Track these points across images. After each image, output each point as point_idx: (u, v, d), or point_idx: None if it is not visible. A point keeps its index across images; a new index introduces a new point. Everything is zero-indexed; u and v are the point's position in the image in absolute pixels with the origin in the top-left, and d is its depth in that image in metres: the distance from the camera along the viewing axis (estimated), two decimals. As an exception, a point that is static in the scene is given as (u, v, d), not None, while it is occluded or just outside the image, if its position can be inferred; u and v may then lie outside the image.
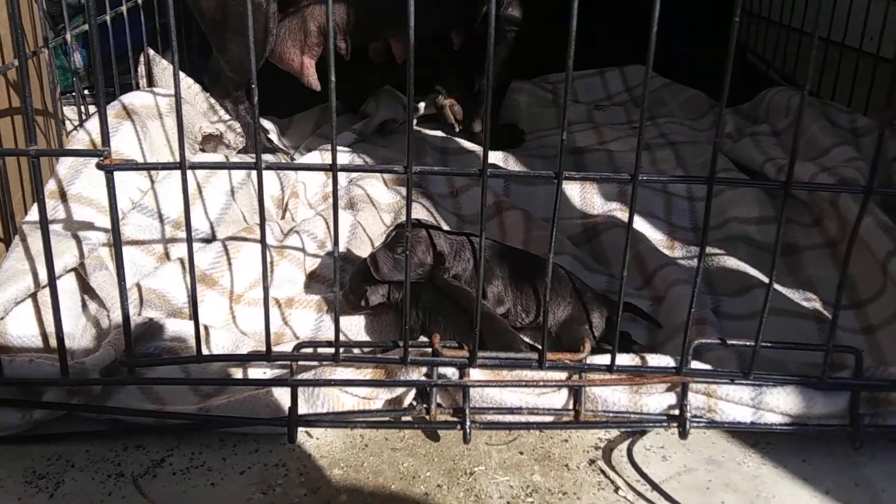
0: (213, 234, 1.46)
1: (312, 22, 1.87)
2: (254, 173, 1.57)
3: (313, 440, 1.11)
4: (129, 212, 1.38)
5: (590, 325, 1.29)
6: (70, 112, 1.97)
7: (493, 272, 1.33)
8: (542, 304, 1.08)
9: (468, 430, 1.08)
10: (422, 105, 2.31)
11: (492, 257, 1.34)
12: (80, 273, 1.27)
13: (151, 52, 1.81)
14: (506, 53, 2.01)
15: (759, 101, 2.20)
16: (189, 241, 1.03)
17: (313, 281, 1.44)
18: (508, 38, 1.98)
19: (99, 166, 0.97)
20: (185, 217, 1.01)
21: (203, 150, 1.70)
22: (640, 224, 1.63)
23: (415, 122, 2.23)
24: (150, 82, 1.78)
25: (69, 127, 1.86)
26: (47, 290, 1.13)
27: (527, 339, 1.28)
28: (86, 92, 2.16)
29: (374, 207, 1.68)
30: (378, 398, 1.12)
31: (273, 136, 2.08)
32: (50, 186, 1.33)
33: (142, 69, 1.81)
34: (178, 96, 0.95)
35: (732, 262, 1.49)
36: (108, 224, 1.30)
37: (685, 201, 1.73)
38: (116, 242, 1.02)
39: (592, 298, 1.31)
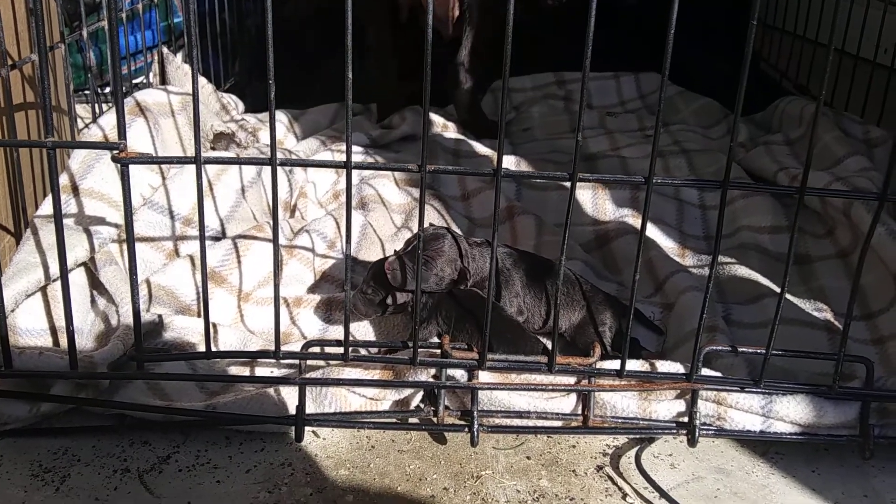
0: (223, 231, 1.46)
1: None
2: (265, 173, 1.58)
3: (320, 440, 1.11)
4: (139, 208, 1.38)
5: (596, 329, 1.28)
6: (82, 110, 1.97)
7: (512, 280, 1.31)
8: (553, 307, 1.07)
9: (476, 434, 1.07)
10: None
11: (512, 266, 1.33)
12: (90, 268, 1.27)
13: (165, 50, 1.81)
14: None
15: (773, 111, 2.20)
16: (202, 236, 1.02)
17: (322, 281, 1.44)
18: None
19: (114, 159, 0.97)
20: (198, 212, 1.00)
21: (214, 149, 1.70)
22: (651, 231, 1.62)
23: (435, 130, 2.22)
24: (163, 80, 1.79)
25: (81, 124, 1.87)
26: (57, 284, 1.13)
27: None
28: (98, 90, 2.17)
29: (384, 208, 1.68)
30: (386, 399, 1.12)
31: (283, 125, 2.08)
32: (62, 180, 1.33)
33: (155, 67, 1.82)
34: (195, 92, 0.95)
35: (743, 271, 1.49)
36: (119, 219, 1.30)
37: (697, 209, 1.73)
38: (129, 236, 1.02)
39: (605, 301, 1.30)
